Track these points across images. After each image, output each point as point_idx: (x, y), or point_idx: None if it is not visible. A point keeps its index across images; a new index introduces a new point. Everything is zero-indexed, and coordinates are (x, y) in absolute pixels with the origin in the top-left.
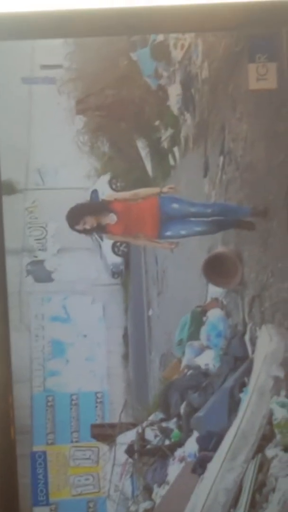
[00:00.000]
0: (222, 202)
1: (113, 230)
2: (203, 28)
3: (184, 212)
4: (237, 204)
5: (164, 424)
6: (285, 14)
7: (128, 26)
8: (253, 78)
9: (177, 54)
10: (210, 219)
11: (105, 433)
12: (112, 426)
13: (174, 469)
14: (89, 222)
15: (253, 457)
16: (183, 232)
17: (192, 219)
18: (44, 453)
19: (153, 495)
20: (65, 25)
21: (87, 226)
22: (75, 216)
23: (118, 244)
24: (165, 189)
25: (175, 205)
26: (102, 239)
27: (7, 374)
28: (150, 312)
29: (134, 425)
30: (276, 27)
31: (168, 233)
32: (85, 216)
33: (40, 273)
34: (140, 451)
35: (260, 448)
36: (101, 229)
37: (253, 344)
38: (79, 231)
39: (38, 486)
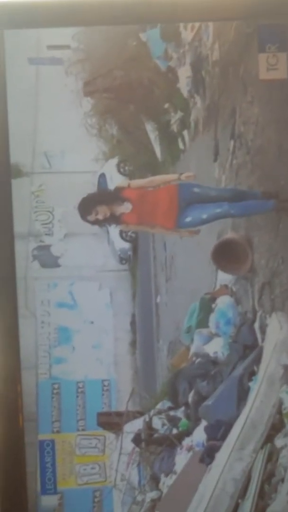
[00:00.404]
0: (237, 188)
1: (128, 219)
2: (212, 18)
3: (205, 195)
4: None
5: (171, 413)
6: None
7: (136, 15)
8: (263, 68)
9: (187, 35)
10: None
11: (111, 422)
12: (119, 414)
13: (181, 459)
14: (102, 211)
15: (262, 447)
16: (204, 216)
17: (212, 203)
18: (53, 441)
19: (160, 485)
20: (72, 14)
21: (100, 216)
22: (86, 206)
23: None
24: (183, 177)
25: (196, 189)
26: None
27: (16, 362)
28: (158, 299)
29: (141, 414)
30: (286, 18)
31: (188, 219)
32: (97, 205)
33: (46, 258)
34: (147, 440)
35: (269, 438)
36: (115, 220)
37: (263, 332)
38: (92, 222)
39: (46, 475)
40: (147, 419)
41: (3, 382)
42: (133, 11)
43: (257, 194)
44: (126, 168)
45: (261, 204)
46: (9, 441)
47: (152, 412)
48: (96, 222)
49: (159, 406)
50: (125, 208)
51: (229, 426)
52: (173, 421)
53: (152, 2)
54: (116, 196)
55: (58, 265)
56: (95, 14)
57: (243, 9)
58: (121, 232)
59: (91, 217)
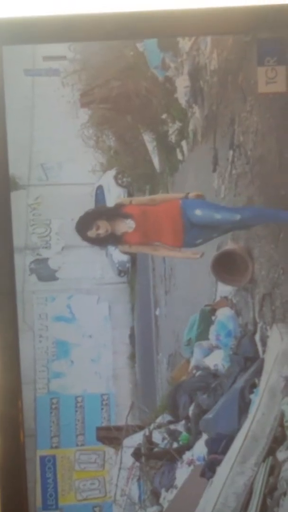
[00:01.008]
0: (255, 207)
1: (130, 239)
2: (210, 32)
3: (208, 219)
4: (273, 208)
5: (172, 427)
6: None
7: (134, 30)
8: (262, 82)
9: (184, 45)
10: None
11: (111, 436)
12: (118, 429)
13: (182, 473)
14: (103, 226)
15: (263, 460)
16: (214, 235)
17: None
18: (54, 457)
19: (161, 500)
20: (69, 30)
21: (101, 231)
22: (86, 221)
23: None
24: (191, 195)
25: (198, 212)
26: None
27: (16, 377)
28: (158, 311)
29: (141, 428)
30: (285, 31)
31: (199, 241)
32: (97, 220)
33: (43, 271)
34: (147, 455)
35: (271, 451)
36: (116, 240)
37: (264, 343)
38: (92, 240)
39: (47, 491)
40: (147, 433)
41: (4, 397)
42: (131, 25)
43: (280, 217)
44: (124, 179)
45: (278, 213)
46: (10, 457)
47: (152, 426)
48: (97, 239)
49: (159, 420)
50: (128, 226)
51: (230, 439)
52: (174, 435)
53: (150, 16)
54: (117, 212)
55: (55, 278)
56: (92, 28)
57: (241, 22)
58: None
59: (92, 233)
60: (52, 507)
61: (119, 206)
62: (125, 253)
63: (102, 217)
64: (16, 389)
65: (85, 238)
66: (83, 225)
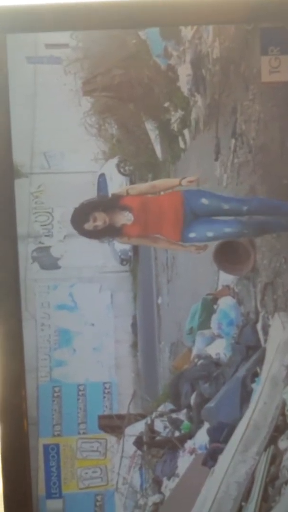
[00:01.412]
0: (262, 198)
1: (129, 231)
2: (213, 21)
3: (215, 209)
4: (279, 199)
5: (174, 415)
6: None
7: (136, 19)
8: (265, 71)
9: (187, 33)
10: (245, 218)
11: (113, 425)
12: (120, 417)
13: (184, 462)
14: (101, 218)
15: (265, 449)
16: (210, 235)
17: (223, 218)
18: (57, 445)
19: (163, 488)
20: (72, 18)
21: (99, 223)
22: (82, 214)
23: None
24: (184, 183)
25: (205, 200)
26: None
27: (20, 366)
28: (160, 300)
29: (143, 416)
30: None
31: (192, 235)
32: (94, 211)
33: (46, 260)
34: (149, 443)
35: (272, 440)
36: (115, 232)
37: (266, 332)
38: (89, 234)
39: (51, 479)
40: (149, 422)
41: (8, 386)
42: (133, 14)
43: (285, 209)
44: (126, 168)
45: (282, 226)
46: (14, 446)
47: (154, 415)
48: (94, 232)
49: (161, 408)
50: (126, 219)
51: (232, 428)
52: (175, 424)
53: (152, 5)
54: (115, 204)
55: (58, 267)
56: (95, 17)
57: (245, 11)
58: None
59: (89, 225)
60: (56, 495)
61: (116, 197)
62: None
63: (99, 208)
64: (20, 378)
65: (82, 231)
66: (79, 217)
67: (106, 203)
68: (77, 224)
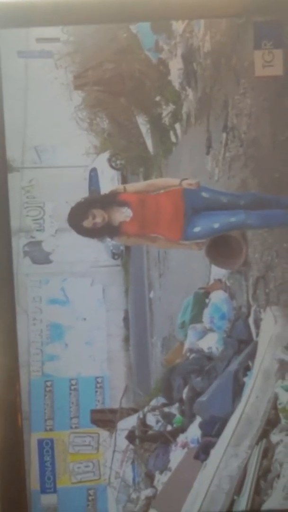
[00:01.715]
0: (255, 193)
1: (128, 229)
2: (207, 15)
3: (215, 202)
4: (274, 195)
5: (166, 409)
6: None
7: (127, 14)
8: (259, 65)
9: (178, 27)
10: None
11: (105, 419)
12: (112, 411)
13: (176, 455)
14: (100, 215)
15: (257, 443)
16: (216, 226)
17: (225, 211)
18: (51, 440)
19: (155, 482)
20: (63, 13)
21: (98, 220)
22: (80, 212)
23: None
24: (184, 184)
25: (205, 194)
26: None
27: (14, 361)
28: (152, 294)
29: (135, 411)
30: (282, 14)
31: (197, 229)
32: (92, 208)
33: (37, 254)
34: (141, 437)
35: (264, 433)
36: (113, 231)
37: (258, 326)
38: (88, 232)
39: (45, 474)
40: (141, 416)
41: (2, 381)
42: (124, 8)
43: (282, 202)
44: (118, 162)
45: (281, 218)
46: (8, 440)
47: (146, 409)
48: (94, 231)
49: (153, 402)
50: (125, 215)
51: (224, 422)
52: (168, 418)
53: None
54: (113, 200)
55: (49, 261)
56: (86, 12)
57: (237, 6)
58: None
59: (88, 222)
60: (50, 490)
61: (114, 194)
62: (120, 248)
63: (97, 205)
64: (14, 373)
65: (81, 230)
66: (77, 215)
67: (104, 199)
68: (75, 222)
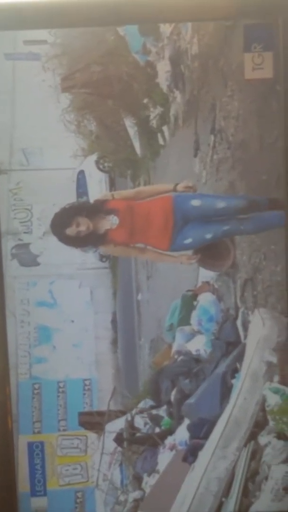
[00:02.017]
0: (247, 195)
1: (115, 236)
2: (196, 18)
3: (208, 209)
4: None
5: (154, 412)
6: (280, 3)
7: (115, 16)
8: (249, 68)
9: (165, 29)
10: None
11: (93, 421)
12: (100, 414)
13: (164, 458)
14: (84, 223)
15: (245, 445)
16: (208, 236)
17: (215, 219)
18: (42, 443)
19: (143, 485)
20: (51, 15)
21: (82, 228)
22: (63, 219)
23: None
24: (180, 188)
25: (196, 202)
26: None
27: (4, 364)
28: (140, 297)
29: (123, 413)
30: (272, 17)
31: (188, 241)
32: (77, 216)
33: (25, 256)
34: (129, 440)
35: (252, 436)
36: (99, 240)
37: (246, 328)
38: (71, 241)
39: (35, 477)
40: (129, 418)
41: None
42: (111, 11)
43: (264, 202)
44: (106, 164)
45: (273, 220)
46: None
47: (134, 411)
48: (77, 239)
49: (141, 405)
50: (111, 223)
51: (212, 424)
52: (156, 420)
53: (131, 2)
54: (100, 209)
55: (37, 264)
56: (74, 14)
57: (227, 9)
58: None
59: (71, 230)
60: (41, 493)
61: (101, 202)
62: (107, 254)
63: (82, 213)
64: (4, 376)
65: (63, 238)
66: (60, 222)
67: (90, 208)
68: (57, 228)
